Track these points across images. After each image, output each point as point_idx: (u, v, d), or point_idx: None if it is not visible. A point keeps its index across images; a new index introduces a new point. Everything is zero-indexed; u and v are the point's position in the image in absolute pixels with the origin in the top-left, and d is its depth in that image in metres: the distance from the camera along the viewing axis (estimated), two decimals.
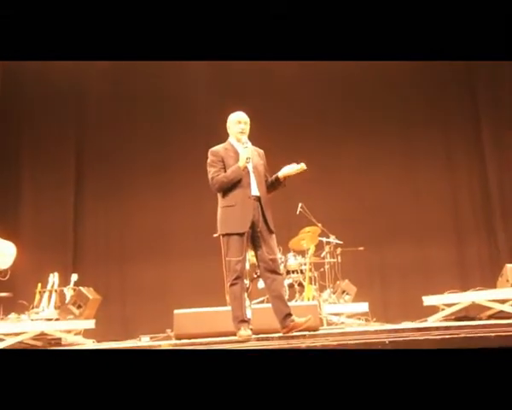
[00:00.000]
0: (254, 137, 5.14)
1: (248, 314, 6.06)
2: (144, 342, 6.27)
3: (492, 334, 3.97)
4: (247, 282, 7.65)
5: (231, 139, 5.15)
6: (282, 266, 7.89)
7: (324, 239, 8.10)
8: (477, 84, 9.66)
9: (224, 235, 4.93)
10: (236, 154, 5.00)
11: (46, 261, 8.17)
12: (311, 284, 7.46)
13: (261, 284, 7.60)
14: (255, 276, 7.71)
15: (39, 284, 7.09)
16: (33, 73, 9.27)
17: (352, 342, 4.09)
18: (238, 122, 5.12)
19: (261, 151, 5.23)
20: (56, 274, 7.14)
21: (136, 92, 9.75)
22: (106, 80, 9.74)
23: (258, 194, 4.94)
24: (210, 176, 4.98)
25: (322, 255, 8.14)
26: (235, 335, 5.09)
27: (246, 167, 4.91)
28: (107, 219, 9.69)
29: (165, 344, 5.04)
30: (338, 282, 8.19)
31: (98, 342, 6.70)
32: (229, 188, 4.90)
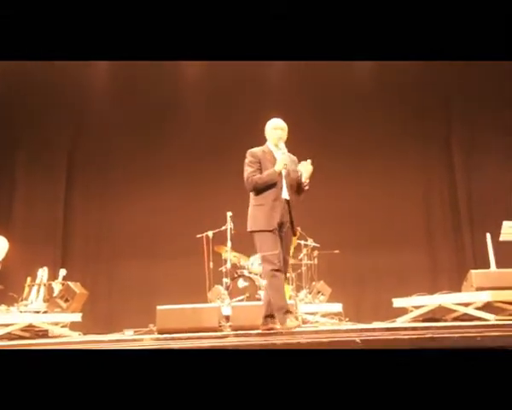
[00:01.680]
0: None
1: (228, 311, 6.10)
2: (128, 335, 6.26)
3: (456, 335, 4.02)
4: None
5: (269, 144, 5.23)
6: (261, 267, 7.94)
7: (302, 242, 8.16)
8: (450, 101, 9.80)
9: (255, 231, 4.99)
10: (274, 158, 5.09)
11: (36, 256, 8.17)
12: (288, 284, 7.49)
13: (241, 283, 7.63)
14: (236, 275, 7.73)
15: (29, 278, 7.07)
16: (30, 74, 9.20)
17: (325, 340, 4.12)
18: (275, 128, 5.20)
19: (295, 158, 5.29)
20: (46, 269, 7.12)
21: (128, 95, 9.75)
22: (100, 83, 9.75)
23: (287, 198, 5.03)
24: (246, 175, 5.05)
25: (299, 257, 8.19)
26: (214, 330, 5.11)
27: (280, 172, 4.99)
28: (96, 218, 9.71)
29: (147, 338, 5.05)
30: (314, 283, 8.25)
31: (84, 334, 6.69)
32: (262, 188, 4.99)
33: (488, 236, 6.84)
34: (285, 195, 5.03)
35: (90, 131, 9.91)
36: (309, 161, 5.09)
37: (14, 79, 9.21)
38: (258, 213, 4.98)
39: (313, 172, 5.10)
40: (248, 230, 5.08)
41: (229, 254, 7.78)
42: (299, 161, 5.22)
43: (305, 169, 5.09)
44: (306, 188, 5.15)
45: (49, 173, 9.51)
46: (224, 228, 7.75)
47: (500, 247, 6.87)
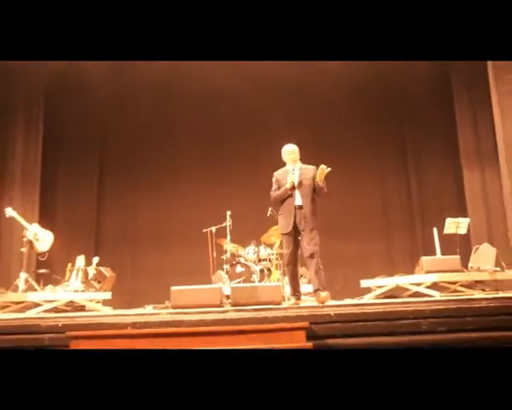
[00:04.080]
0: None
1: (228, 291, 6.09)
2: (148, 310, 6.24)
3: (409, 308, 4.07)
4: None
5: (287, 164, 5.44)
6: (255, 256, 7.89)
7: None
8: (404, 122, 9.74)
9: (281, 234, 5.48)
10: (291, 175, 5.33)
11: (75, 246, 8.18)
12: (276, 269, 7.50)
13: (239, 268, 7.64)
14: (234, 262, 7.73)
15: (69, 264, 7.10)
16: (71, 83, 8.83)
17: (305, 313, 4.13)
18: (289, 154, 5.42)
19: (311, 167, 5.42)
20: (83, 256, 7.16)
21: (154, 100, 9.47)
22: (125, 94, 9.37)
23: (301, 204, 5.23)
24: (271, 192, 5.45)
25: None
26: (217, 306, 5.11)
27: (293, 186, 5.22)
28: (122, 215, 9.75)
29: (164, 312, 5.03)
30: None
31: (114, 309, 6.66)
32: (281, 201, 5.31)
33: (435, 230, 7.01)
34: (298, 202, 5.24)
35: (118, 141, 9.85)
36: (322, 165, 5.19)
37: (58, 89, 8.91)
38: (280, 220, 5.36)
39: None
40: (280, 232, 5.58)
41: (228, 246, 7.80)
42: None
43: (319, 172, 5.21)
44: (325, 190, 5.28)
45: (84, 179, 9.49)
46: (224, 224, 7.78)
47: (444, 238, 7.01)
